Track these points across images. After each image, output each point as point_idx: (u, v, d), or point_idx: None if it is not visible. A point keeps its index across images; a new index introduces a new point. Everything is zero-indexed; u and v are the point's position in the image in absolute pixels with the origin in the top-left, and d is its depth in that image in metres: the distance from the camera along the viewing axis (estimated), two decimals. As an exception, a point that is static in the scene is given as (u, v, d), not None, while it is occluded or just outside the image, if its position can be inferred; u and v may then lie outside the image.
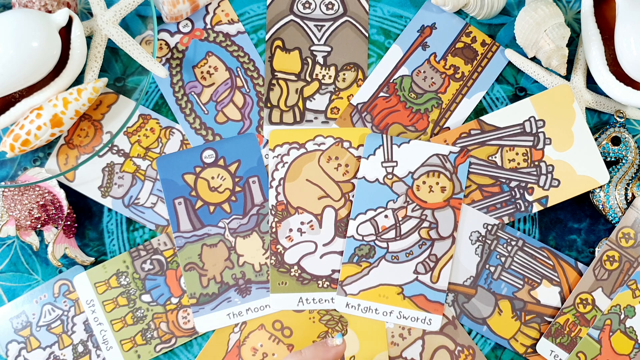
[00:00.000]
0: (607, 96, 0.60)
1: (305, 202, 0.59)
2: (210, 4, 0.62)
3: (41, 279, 0.59)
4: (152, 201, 0.59)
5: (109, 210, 0.60)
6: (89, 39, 0.60)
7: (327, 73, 0.61)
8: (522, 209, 0.58)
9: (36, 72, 0.55)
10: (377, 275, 0.57)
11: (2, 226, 0.57)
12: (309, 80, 0.61)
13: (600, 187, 0.58)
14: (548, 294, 0.58)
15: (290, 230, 0.58)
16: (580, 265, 0.58)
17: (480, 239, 0.58)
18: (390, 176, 0.58)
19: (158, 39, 0.61)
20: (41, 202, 0.57)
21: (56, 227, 0.58)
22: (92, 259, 0.59)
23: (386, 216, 0.58)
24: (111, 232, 0.59)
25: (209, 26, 0.62)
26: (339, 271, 0.58)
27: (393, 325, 0.58)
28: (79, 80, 0.60)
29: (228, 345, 0.58)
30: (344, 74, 0.61)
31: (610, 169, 0.59)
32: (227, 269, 0.58)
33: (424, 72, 0.61)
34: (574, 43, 0.62)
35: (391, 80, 0.61)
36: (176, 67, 0.61)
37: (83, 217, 0.60)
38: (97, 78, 0.59)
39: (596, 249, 0.58)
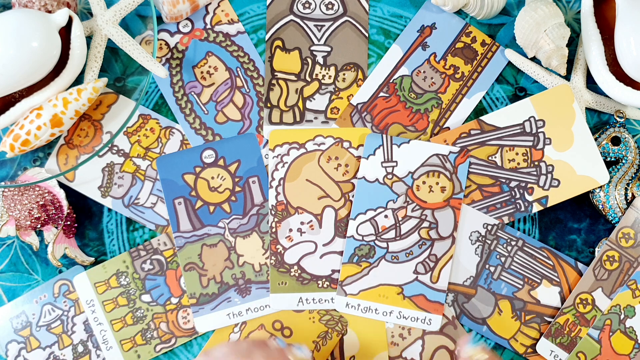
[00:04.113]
0: (607, 96, 0.60)
1: (305, 202, 0.59)
2: (210, 4, 0.62)
3: (41, 279, 0.59)
4: (152, 201, 0.59)
5: (109, 210, 0.60)
6: (89, 39, 0.60)
7: (327, 73, 0.61)
8: (522, 209, 0.58)
9: (36, 72, 0.55)
10: (377, 275, 0.57)
11: (2, 226, 0.57)
12: (309, 80, 0.61)
13: (600, 187, 0.58)
14: (548, 294, 0.58)
15: (290, 230, 0.58)
16: (580, 265, 0.58)
17: (480, 239, 0.58)
18: (390, 176, 0.58)
19: (158, 39, 0.61)
20: (41, 202, 0.57)
21: (56, 227, 0.58)
22: (92, 259, 0.59)
23: (386, 216, 0.58)
24: (111, 232, 0.59)
25: (208, 26, 0.62)
26: (338, 271, 0.58)
27: (393, 325, 0.58)
28: (79, 80, 0.60)
29: (228, 345, 0.58)
30: (344, 74, 0.61)
31: (610, 169, 0.59)
32: (227, 269, 0.58)
33: (424, 72, 0.61)
34: (574, 43, 0.62)
35: (391, 80, 0.61)
36: (176, 67, 0.61)
37: (83, 217, 0.60)
38: (97, 78, 0.59)
39: (596, 249, 0.58)
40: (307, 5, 0.62)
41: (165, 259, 0.58)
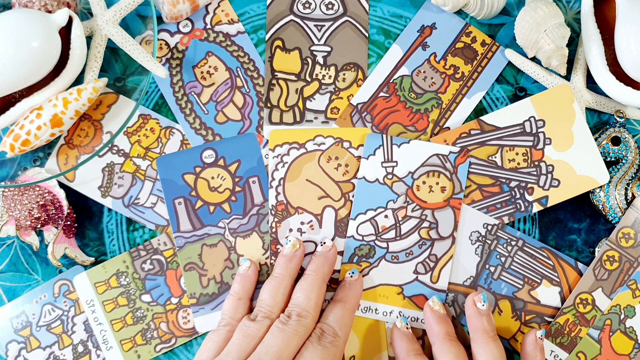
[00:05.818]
0: (607, 96, 0.60)
1: (305, 202, 0.59)
2: (210, 4, 0.62)
3: (41, 279, 0.59)
4: (152, 201, 0.59)
5: (109, 210, 0.60)
6: (89, 39, 0.60)
7: (327, 73, 0.61)
8: (522, 209, 0.58)
9: (36, 72, 0.55)
10: (377, 275, 0.57)
11: (2, 226, 0.57)
12: (309, 80, 0.61)
13: (600, 187, 0.58)
14: (548, 294, 0.58)
15: (290, 230, 0.58)
16: (580, 265, 0.58)
17: (480, 239, 0.58)
18: (390, 176, 0.58)
19: (158, 39, 0.61)
20: (41, 202, 0.57)
21: (56, 227, 0.58)
22: (92, 259, 0.59)
23: (386, 216, 0.58)
24: (111, 232, 0.59)
25: (209, 26, 0.62)
26: (339, 271, 0.58)
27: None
28: (79, 80, 0.60)
29: (228, 345, 0.58)
30: (344, 74, 0.61)
31: (610, 169, 0.59)
32: (227, 269, 0.58)
33: (424, 72, 0.61)
34: (574, 43, 0.62)
35: (391, 80, 0.61)
36: (176, 67, 0.61)
37: (83, 217, 0.60)
38: (97, 78, 0.59)
39: (596, 249, 0.58)
40: (307, 5, 0.62)
41: (165, 259, 0.58)
